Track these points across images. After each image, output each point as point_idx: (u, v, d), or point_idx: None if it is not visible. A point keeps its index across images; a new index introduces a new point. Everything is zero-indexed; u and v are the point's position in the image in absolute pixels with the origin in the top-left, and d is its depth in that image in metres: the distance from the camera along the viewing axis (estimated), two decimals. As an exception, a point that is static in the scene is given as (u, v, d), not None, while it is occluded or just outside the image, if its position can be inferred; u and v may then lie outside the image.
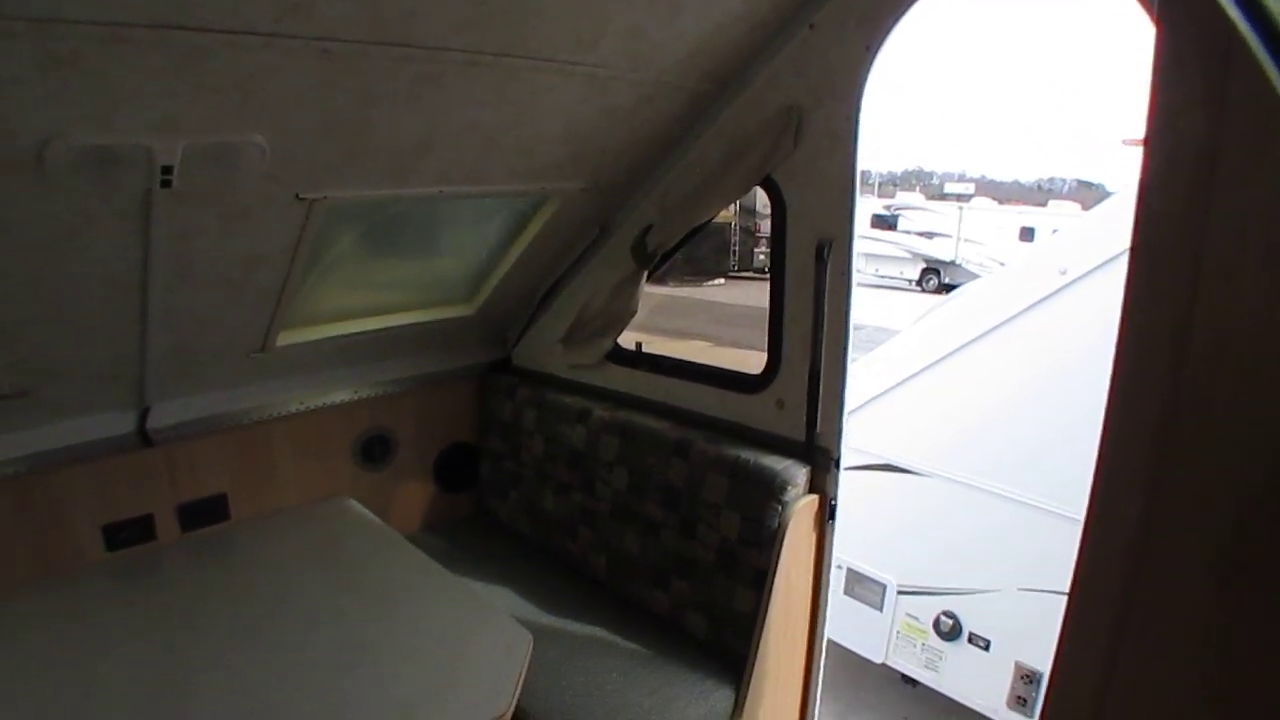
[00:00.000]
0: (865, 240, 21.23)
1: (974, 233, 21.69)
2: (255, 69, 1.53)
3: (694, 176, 2.55)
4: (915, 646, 3.49)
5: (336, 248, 2.51)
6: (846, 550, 3.52)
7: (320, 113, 1.74)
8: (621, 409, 2.85)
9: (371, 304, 2.91)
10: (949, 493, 3.34)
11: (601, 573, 2.82)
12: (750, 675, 2.29)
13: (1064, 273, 3.01)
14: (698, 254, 19.89)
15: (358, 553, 2.59)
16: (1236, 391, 0.85)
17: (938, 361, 3.38)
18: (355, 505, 2.87)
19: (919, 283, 22.21)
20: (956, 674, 3.37)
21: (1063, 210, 22.74)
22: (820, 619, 2.49)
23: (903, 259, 22.47)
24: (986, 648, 3.25)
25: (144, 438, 2.52)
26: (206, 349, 2.45)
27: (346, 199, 2.11)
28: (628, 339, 3.00)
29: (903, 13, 1.99)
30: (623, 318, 2.83)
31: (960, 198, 28.03)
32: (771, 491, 2.29)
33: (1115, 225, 2.86)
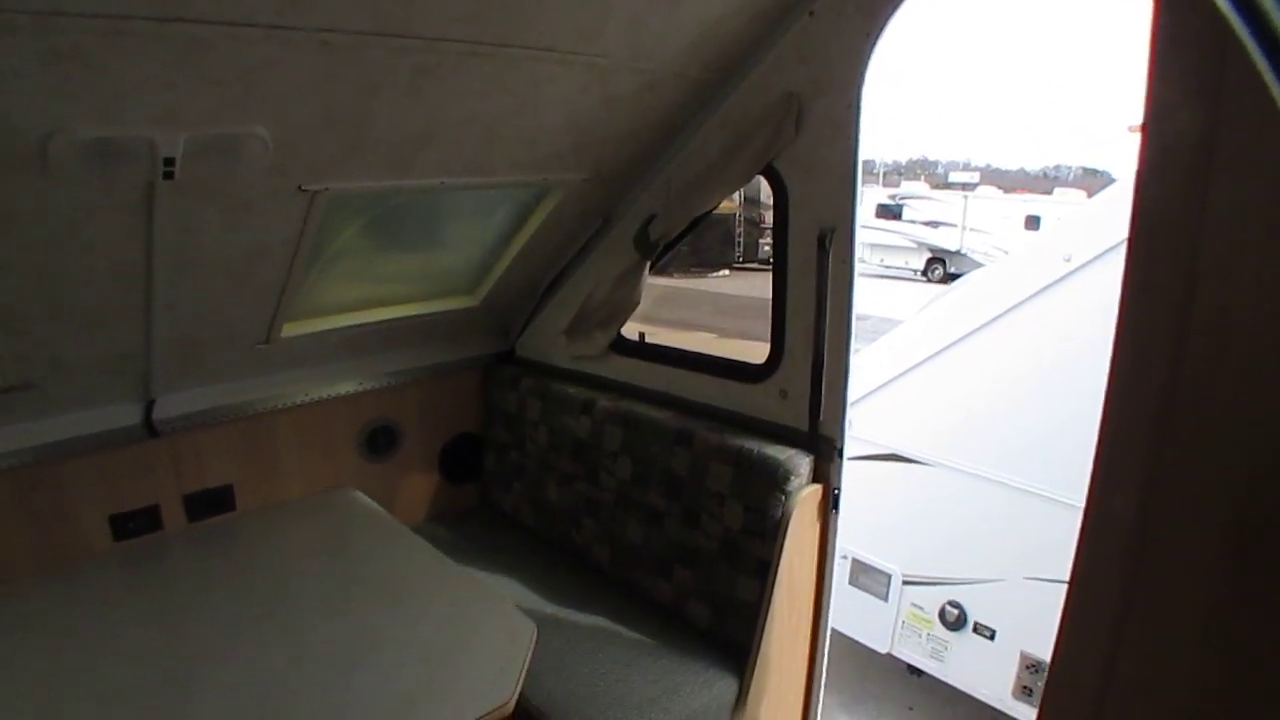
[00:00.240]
0: (870, 230, 21.17)
1: (979, 222, 21.59)
2: (256, 61, 1.53)
3: (696, 166, 2.54)
4: (920, 636, 3.49)
5: (340, 239, 2.51)
6: (851, 540, 3.52)
7: (321, 104, 1.74)
8: (625, 399, 2.85)
9: (375, 296, 2.91)
10: (954, 482, 3.34)
11: (605, 562, 2.83)
12: (754, 665, 2.30)
13: (1068, 260, 3.00)
14: (702, 245, 19.85)
15: (363, 543, 2.60)
16: (1234, 383, 0.85)
17: (942, 350, 3.37)
18: (360, 496, 2.89)
19: (924, 272, 22.12)
20: (962, 664, 3.37)
21: (1069, 198, 22.59)
22: (824, 609, 2.49)
23: (908, 249, 22.39)
24: (992, 637, 3.25)
25: (150, 429, 2.53)
26: (211, 341, 2.46)
27: (349, 190, 2.11)
28: (631, 330, 3.00)
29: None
30: (626, 308, 2.83)
31: (965, 186, 27.88)
32: (775, 481, 2.29)
33: (1120, 211, 2.84)
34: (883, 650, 3.62)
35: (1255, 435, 0.83)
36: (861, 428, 3.50)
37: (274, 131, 1.74)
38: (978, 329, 3.26)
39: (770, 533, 2.30)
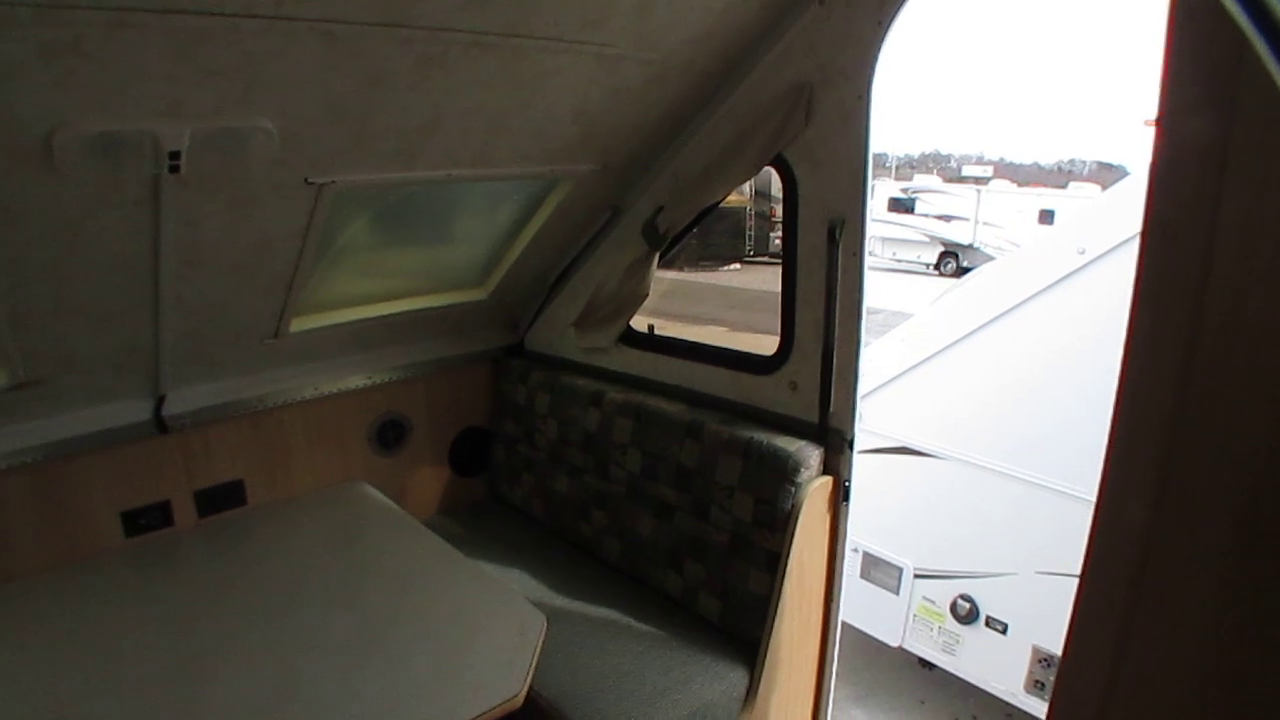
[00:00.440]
0: (882, 224, 21.09)
1: (992, 216, 21.44)
2: (258, 52, 1.53)
3: (705, 157, 2.53)
4: (932, 630, 3.48)
5: (347, 233, 2.51)
6: (863, 534, 3.51)
7: (326, 96, 1.74)
8: (634, 392, 2.84)
9: (384, 289, 2.92)
10: (966, 475, 3.31)
11: (614, 555, 2.82)
12: (764, 657, 2.29)
13: (1083, 252, 2.97)
14: (712, 239, 19.84)
15: (373, 537, 2.61)
16: (1247, 382, 0.83)
17: (954, 343, 3.35)
18: (370, 490, 2.90)
19: (937, 266, 22.02)
20: (973, 657, 3.35)
21: (1083, 192, 22.41)
22: (835, 601, 2.48)
23: (920, 243, 22.28)
24: (1004, 631, 3.23)
25: (160, 425, 2.54)
26: (220, 336, 2.46)
27: (355, 183, 2.11)
28: (639, 322, 2.99)
29: (915, -12, 1.96)
30: (635, 300, 2.82)
31: (978, 180, 27.70)
32: (785, 473, 2.28)
33: (1134, 204, 2.82)
34: (894, 644, 3.61)
35: (1269, 434, 0.82)
36: (873, 421, 3.49)
37: (279, 124, 1.74)
38: (990, 322, 3.23)
39: (780, 525, 2.29)
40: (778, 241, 20.16)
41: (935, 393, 3.44)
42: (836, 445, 2.35)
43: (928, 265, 22.18)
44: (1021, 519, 3.14)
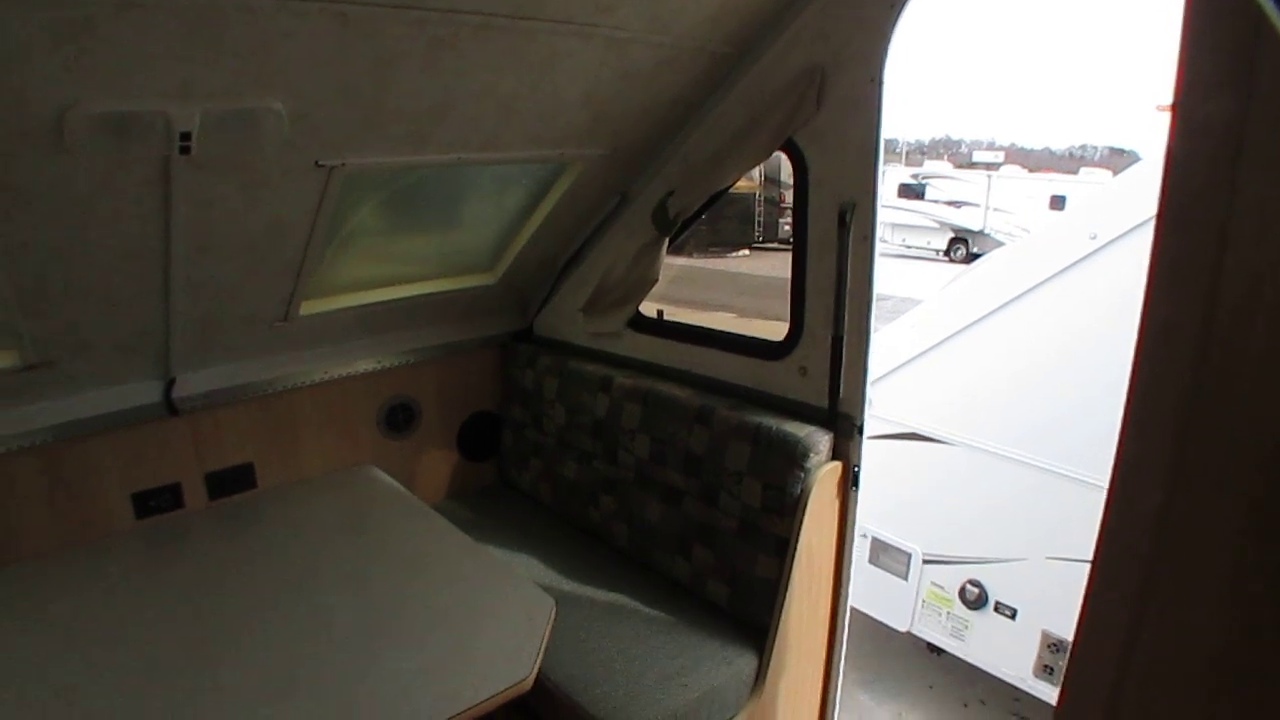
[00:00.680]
0: (892, 210, 20.97)
1: (1003, 201, 21.32)
2: (270, 33, 1.52)
3: (715, 141, 2.51)
4: (941, 615, 3.48)
5: (357, 216, 2.51)
6: (871, 519, 3.50)
7: (336, 78, 1.73)
8: (643, 377, 2.84)
9: (393, 274, 2.92)
10: (975, 461, 3.31)
11: (623, 540, 2.83)
12: (773, 642, 2.30)
13: (1094, 237, 2.94)
14: (721, 225, 19.81)
15: (382, 520, 2.62)
16: (1262, 368, 0.83)
17: (964, 328, 3.33)
18: (379, 473, 2.91)
19: (947, 253, 21.92)
20: (982, 643, 3.35)
21: (1095, 178, 22.25)
22: (843, 586, 2.48)
23: (930, 229, 22.17)
24: (1013, 616, 3.23)
25: (170, 407, 2.55)
26: (230, 319, 2.47)
27: (366, 165, 2.10)
28: (648, 307, 2.98)
29: (928, -29, 1.94)
30: (644, 286, 2.81)
31: (989, 166, 27.53)
32: (794, 458, 2.27)
33: (1146, 189, 2.79)
34: (903, 629, 3.61)
35: None
36: (882, 406, 3.48)
37: (289, 106, 1.73)
38: (1000, 307, 3.22)
39: (789, 510, 2.29)
40: (787, 228, 20.05)
41: (945, 378, 3.43)
42: (846, 430, 2.34)
43: (937, 251, 22.08)
44: (1030, 504, 3.13)
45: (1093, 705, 1.04)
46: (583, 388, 2.97)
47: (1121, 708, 1.00)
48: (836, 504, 2.38)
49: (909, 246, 22.14)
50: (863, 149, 2.14)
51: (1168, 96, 0.87)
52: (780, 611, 2.29)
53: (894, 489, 3.51)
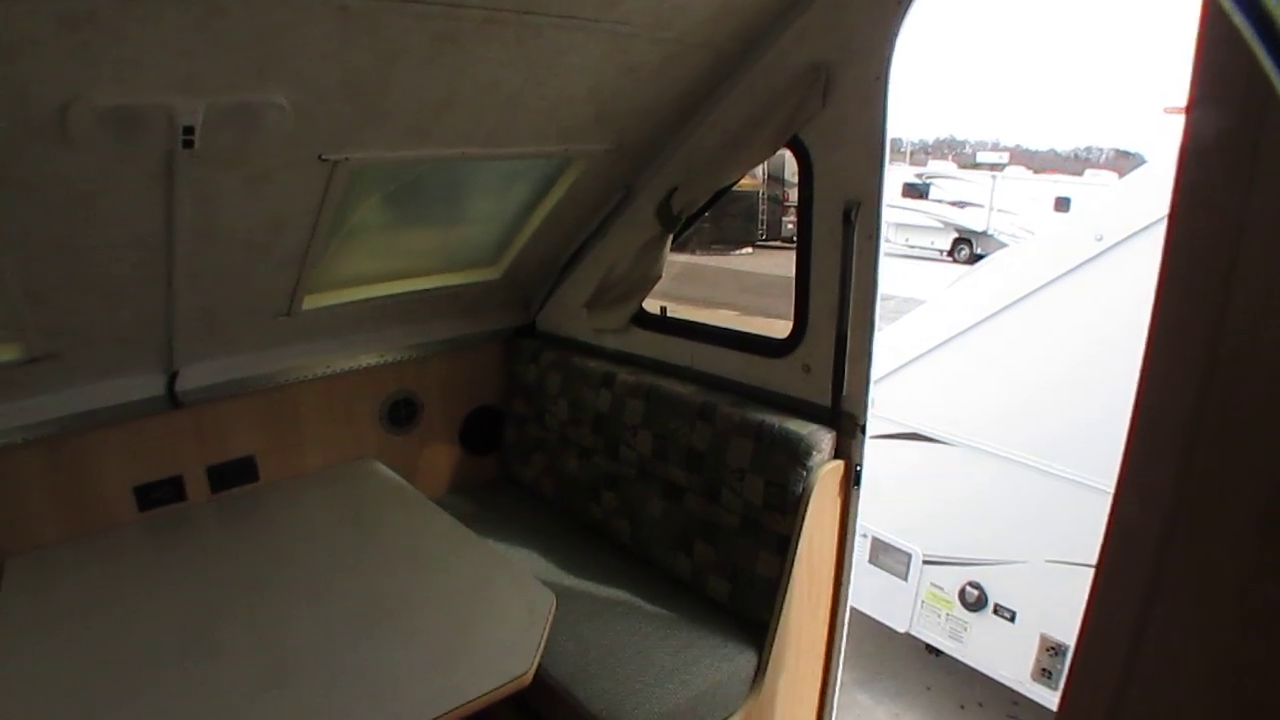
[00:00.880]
0: (896, 209, 20.92)
1: (1007, 202, 21.26)
2: (273, 26, 1.52)
3: (720, 137, 2.51)
4: (940, 616, 3.48)
5: (361, 211, 2.51)
6: (872, 519, 3.50)
7: (340, 72, 1.72)
8: (646, 373, 2.84)
9: (397, 268, 2.92)
10: (976, 463, 3.30)
11: (624, 536, 2.83)
12: (773, 639, 2.30)
13: (1100, 239, 2.93)
14: (725, 222, 19.79)
15: (384, 514, 2.63)
16: (1271, 384, 0.82)
17: (967, 329, 3.33)
18: (381, 467, 2.91)
19: (950, 253, 21.87)
20: (981, 645, 3.35)
21: (1100, 180, 22.19)
22: (844, 585, 2.48)
23: (934, 229, 22.12)
24: (1012, 619, 3.23)
25: (173, 400, 2.55)
26: (233, 312, 2.47)
27: (369, 160, 2.10)
28: (651, 304, 2.98)
29: (935, -33, 1.93)
30: (647, 282, 2.81)
31: (994, 167, 27.46)
32: (796, 456, 2.27)
33: (1152, 191, 2.79)
34: (902, 629, 3.61)
35: None
36: (884, 406, 3.48)
37: (293, 100, 1.73)
38: (1005, 308, 3.21)
39: (791, 508, 2.29)
40: (791, 226, 20.12)
41: (948, 379, 3.42)
42: (849, 429, 2.34)
43: (941, 251, 22.04)
44: (1032, 507, 3.13)
45: (1095, 709, 1.04)
46: (585, 383, 2.97)
47: (1124, 712, 1.00)
48: (838, 503, 2.38)
49: (912, 246, 22.09)
50: (868, 146, 2.13)
51: (1175, 99, 0.87)
52: (781, 609, 2.29)
53: (895, 489, 3.51)
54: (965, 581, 3.35)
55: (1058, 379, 3.05)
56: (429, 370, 3.22)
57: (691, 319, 2.93)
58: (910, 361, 3.51)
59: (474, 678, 1.75)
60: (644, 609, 2.47)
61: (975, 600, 3.31)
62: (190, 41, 1.46)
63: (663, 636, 2.34)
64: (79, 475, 2.41)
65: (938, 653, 3.61)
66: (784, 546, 2.31)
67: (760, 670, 2.31)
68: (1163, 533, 0.93)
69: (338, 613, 2.01)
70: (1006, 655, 3.24)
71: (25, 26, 1.29)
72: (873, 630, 3.75)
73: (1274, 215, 0.80)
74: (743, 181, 2.86)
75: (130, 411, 2.48)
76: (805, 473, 2.27)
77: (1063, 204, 19.70)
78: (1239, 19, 0.67)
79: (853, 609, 2.55)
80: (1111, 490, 0.97)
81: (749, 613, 2.41)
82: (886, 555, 3.61)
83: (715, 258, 19.23)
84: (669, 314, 3.01)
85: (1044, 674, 3.11)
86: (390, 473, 2.88)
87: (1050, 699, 3.09)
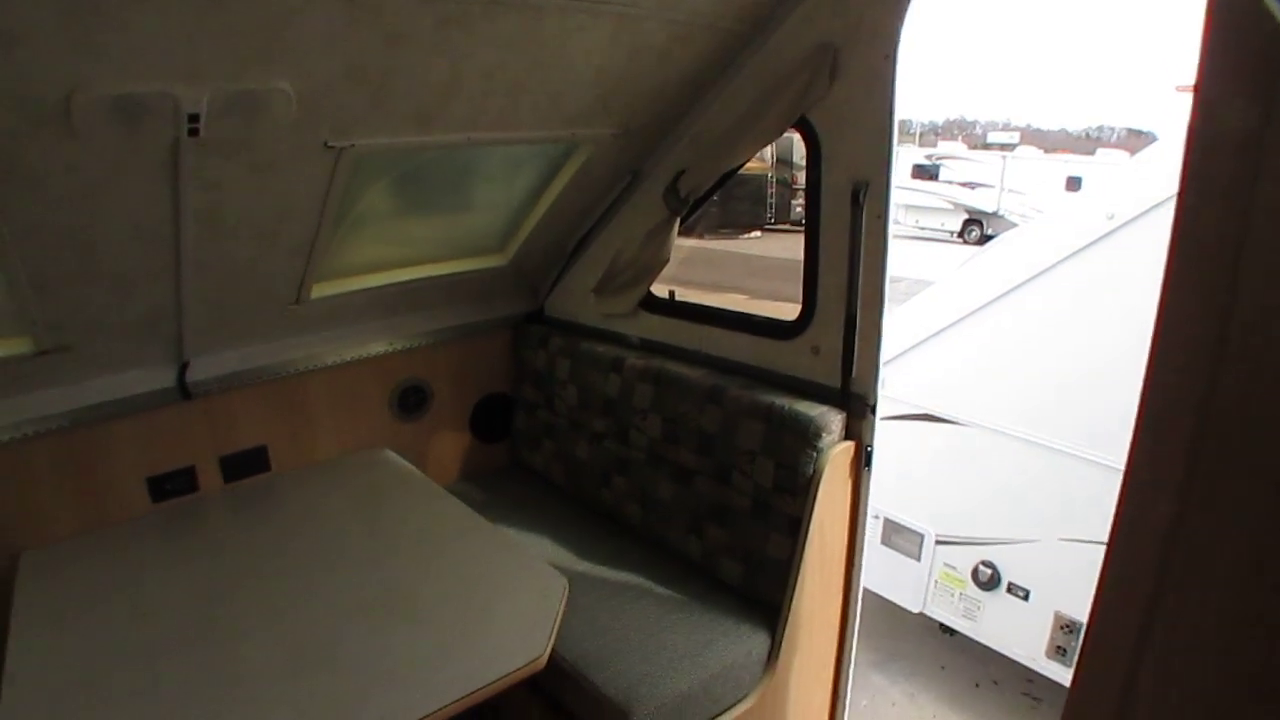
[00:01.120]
0: (905, 191, 20.79)
1: (1018, 183, 21.10)
2: (277, 13, 1.51)
3: (727, 119, 2.49)
4: (953, 596, 3.48)
5: (368, 198, 2.50)
6: (884, 500, 3.50)
7: (344, 57, 1.72)
8: (655, 357, 2.83)
9: (404, 256, 2.92)
10: (988, 442, 3.29)
11: (635, 520, 2.83)
12: (785, 621, 2.30)
13: (1111, 217, 2.91)
14: (733, 206, 19.70)
15: (396, 501, 2.64)
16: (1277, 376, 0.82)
17: (978, 309, 3.31)
18: (392, 455, 2.92)
19: (960, 234, 21.74)
20: (995, 623, 3.35)
21: (1112, 159, 21.98)
22: (856, 566, 2.48)
23: (944, 210, 21.98)
24: (1026, 597, 3.23)
25: (184, 391, 2.56)
26: (242, 302, 2.47)
27: (375, 146, 2.09)
28: (660, 288, 2.97)
29: (944, -57, 1.90)
30: (655, 266, 2.80)
31: (1004, 147, 27.23)
32: (806, 438, 2.27)
33: (1164, 169, 2.76)
34: (915, 610, 3.61)
35: None
36: (895, 387, 3.46)
37: (297, 86, 1.72)
38: (1016, 287, 3.19)
39: (802, 489, 2.28)
40: (799, 209, 19.98)
41: (959, 359, 3.41)
42: (859, 410, 2.33)
43: (951, 233, 21.91)
44: (1044, 485, 3.12)
45: (1108, 686, 1.04)
46: (594, 368, 2.97)
47: (1137, 691, 0.99)
48: (849, 484, 2.38)
49: (923, 228, 21.96)
50: (877, 126, 2.11)
51: (1186, 77, 0.86)
52: (793, 591, 2.29)
53: (906, 470, 3.50)
54: (978, 561, 3.35)
55: (1069, 358, 3.03)
56: (438, 358, 3.23)
57: (700, 302, 2.92)
58: (922, 342, 3.49)
59: (489, 662, 1.75)
60: (656, 592, 2.48)
61: (988, 579, 3.31)
62: (193, 28, 1.46)
63: (675, 619, 2.34)
64: (91, 468, 2.42)
65: (952, 632, 3.61)
66: (795, 528, 2.31)
67: (773, 652, 2.31)
68: (1173, 512, 0.92)
69: (352, 600, 2.02)
70: (1020, 633, 3.24)
71: (26, 15, 1.29)
72: (886, 611, 3.76)
73: (1278, 216, 0.79)
74: (750, 164, 2.85)
75: (141, 403, 2.49)
76: (815, 454, 2.27)
77: (1074, 184, 19.52)
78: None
79: (866, 590, 2.55)
80: (1122, 468, 0.96)
81: (761, 595, 2.41)
82: (899, 536, 3.61)
83: (723, 242, 19.17)
84: (677, 298, 3.00)
85: (1058, 651, 3.11)
86: (401, 461, 2.89)
87: (1065, 676, 3.09)
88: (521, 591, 2.05)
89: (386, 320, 3.04)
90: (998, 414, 3.26)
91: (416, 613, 1.96)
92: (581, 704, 2.16)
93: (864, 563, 2.48)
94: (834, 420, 2.29)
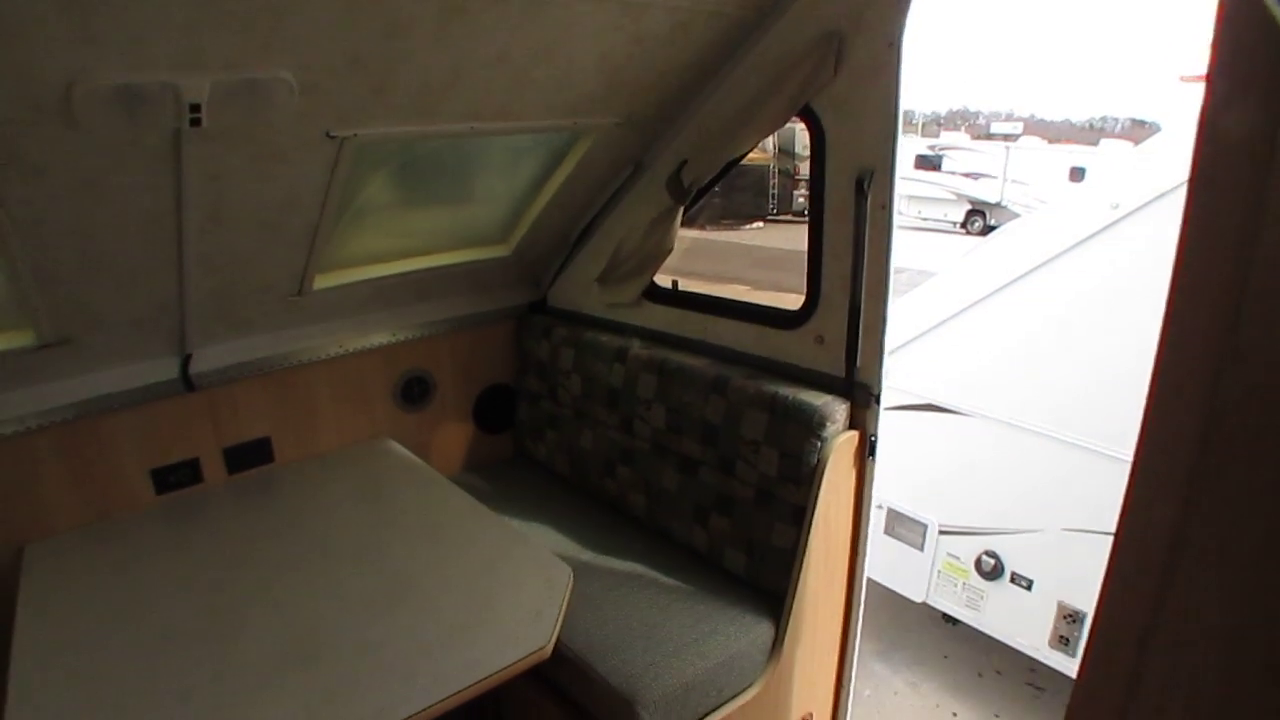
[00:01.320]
0: (908, 181, 20.72)
1: (1021, 173, 21.03)
2: (279, 1, 1.50)
3: (730, 108, 2.48)
4: (956, 586, 3.48)
5: (370, 189, 2.50)
6: (887, 491, 3.50)
7: (346, 46, 1.71)
8: (659, 347, 2.83)
9: (407, 246, 2.91)
10: (992, 432, 3.29)
11: (640, 510, 2.83)
12: (790, 611, 2.30)
13: (1116, 207, 2.90)
14: (735, 197, 19.68)
15: (400, 491, 2.64)
16: None
17: (982, 299, 3.30)
18: (396, 446, 2.92)
19: (963, 225, 21.69)
20: (998, 613, 3.36)
21: (1116, 149, 21.90)
22: (860, 555, 2.48)
23: (947, 201, 21.91)
24: (1029, 587, 3.23)
25: (187, 383, 2.56)
26: (245, 293, 2.47)
27: (377, 136, 2.08)
28: (663, 278, 2.96)
29: (948, -68, 1.89)
30: (659, 255, 2.79)
31: (1007, 137, 27.14)
32: (811, 427, 2.26)
33: (1169, 158, 2.75)
34: (918, 599, 3.62)
35: None
36: (898, 377, 3.46)
37: (299, 76, 1.71)
38: (1020, 277, 3.18)
39: (806, 479, 2.28)
40: (801, 199, 20.01)
41: (963, 349, 3.40)
42: (863, 400, 2.33)
43: (954, 223, 21.85)
44: (1047, 476, 3.12)
45: (1113, 683, 1.03)
46: (598, 358, 2.96)
47: (1142, 685, 0.99)
48: (853, 473, 2.38)
49: (925, 218, 21.90)
50: (882, 115, 2.10)
51: (1191, 67, 0.85)
52: (797, 580, 2.29)
53: (910, 460, 3.50)
54: (981, 551, 3.35)
55: (1072, 348, 3.03)
56: (441, 348, 3.22)
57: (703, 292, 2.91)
58: (925, 332, 3.49)
59: (494, 652, 1.76)
60: (661, 582, 2.48)
61: (992, 569, 3.31)
62: (193, 17, 1.45)
63: (680, 609, 2.34)
64: (95, 460, 2.42)
65: (955, 622, 3.62)
66: (799, 517, 2.31)
67: (778, 641, 2.32)
68: (1181, 502, 0.92)
69: (357, 590, 2.02)
70: (1024, 623, 3.25)
71: (26, 5, 1.28)
72: (889, 600, 3.76)
73: None
74: (752, 155, 2.84)
75: (145, 395, 2.49)
76: (820, 443, 2.26)
77: (1078, 174, 19.45)
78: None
79: (869, 580, 2.55)
80: (1125, 457, 0.96)
81: (765, 584, 2.41)
82: (902, 526, 3.61)
83: (725, 232, 19.16)
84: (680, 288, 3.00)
85: (1061, 641, 3.12)
86: (405, 451, 2.89)
87: (1067, 665, 3.10)
88: (526, 581, 2.06)
89: (389, 311, 3.04)
90: (1001, 404, 3.26)
91: (422, 602, 1.97)
92: (586, 693, 2.17)
93: (868, 552, 2.48)
94: (838, 410, 2.29)
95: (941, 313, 3.44)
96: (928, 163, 22.59)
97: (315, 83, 1.76)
